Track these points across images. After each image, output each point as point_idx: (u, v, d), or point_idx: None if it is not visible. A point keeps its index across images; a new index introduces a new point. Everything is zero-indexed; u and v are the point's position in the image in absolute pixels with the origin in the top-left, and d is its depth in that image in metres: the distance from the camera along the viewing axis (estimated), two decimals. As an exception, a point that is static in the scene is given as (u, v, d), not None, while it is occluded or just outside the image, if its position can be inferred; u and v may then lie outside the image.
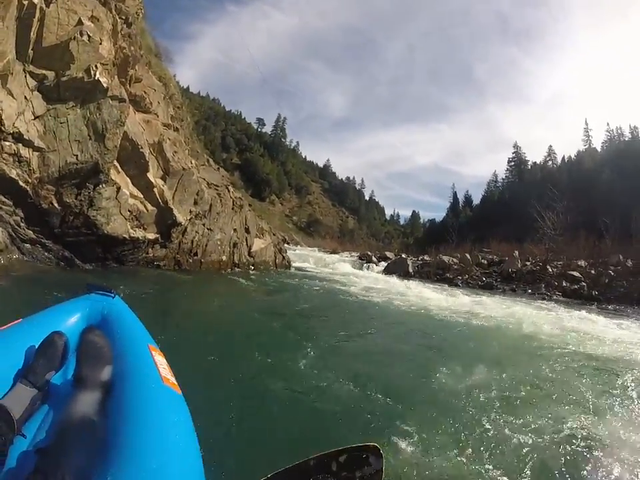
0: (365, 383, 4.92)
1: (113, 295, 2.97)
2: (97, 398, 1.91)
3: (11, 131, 9.87)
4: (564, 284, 20.32)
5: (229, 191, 18.50)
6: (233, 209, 17.54)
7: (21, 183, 10.20)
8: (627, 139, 70.53)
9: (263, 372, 5.10)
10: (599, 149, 75.16)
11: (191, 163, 16.08)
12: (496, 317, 10.82)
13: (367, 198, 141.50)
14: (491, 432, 3.91)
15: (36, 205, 10.67)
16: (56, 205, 11.03)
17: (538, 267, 23.78)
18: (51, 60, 10.81)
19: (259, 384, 4.73)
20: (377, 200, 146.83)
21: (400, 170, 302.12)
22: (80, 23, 11.36)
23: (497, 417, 4.25)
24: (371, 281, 19.75)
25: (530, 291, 19.93)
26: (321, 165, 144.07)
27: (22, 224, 10.50)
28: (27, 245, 10.59)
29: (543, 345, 7.82)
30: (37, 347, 2.09)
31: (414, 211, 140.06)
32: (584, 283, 20.04)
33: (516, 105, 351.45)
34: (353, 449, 1.69)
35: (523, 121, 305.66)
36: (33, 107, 10.54)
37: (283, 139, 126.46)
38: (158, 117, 15.68)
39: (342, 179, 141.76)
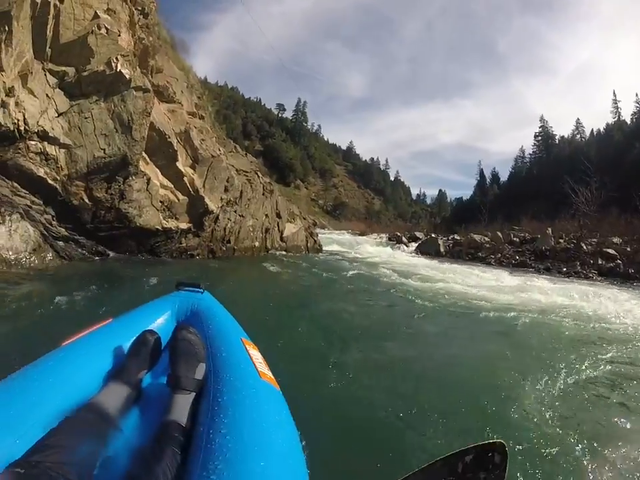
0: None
1: (201, 290, 2.91)
2: (192, 396, 1.86)
3: (36, 130, 9.81)
4: (599, 262, 19.56)
5: (258, 176, 18.36)
6: (263, 194, 17.40)
7: (49, 181, 10.14)
8: None
9: (351, 362, 4.70)
10: (628, 122, 71.20)
11: (219, 150, 15.89)
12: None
13: (392, 178, 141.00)
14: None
15: (66, 201, 10.63)
16: (87, 200, 10.97)
17: (572, 245, 23.03)
18: (69, 56, 10.73)
19: (355, 375, 4.24)
20: (402, 180, 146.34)
21: (424, 149, 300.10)
22: (96, 16, 11.27)
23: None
24: (405, 262, 19.44)
25: (565, 269, 19.15)
26: (343, 147, 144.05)
27: (53, 222, 10.43)
28: (60, 243, 10.47)
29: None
30: (129, 346, 2.08)
31: (440, 190, 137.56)
32: (619, 261, 19.24)
33: (540, 79, 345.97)
34: (479, 447, 1.50)
35: (548, 94, 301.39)
36: (55, 104, 10.46)
37: (304, 123, 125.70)
38: (182, 106, 15.53)
39: (366, 160, 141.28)
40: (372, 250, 26.52)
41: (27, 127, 9.58)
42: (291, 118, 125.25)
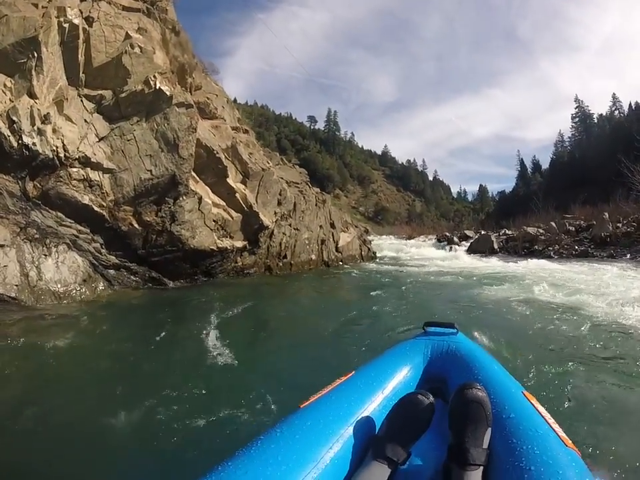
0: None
1: (455, 330, 2.54)
2: (480, 471, 1.51)
3: (77, 156, 9.40)
4: None
5: (309, 187, 17.77)
6: (316, 205, 16.75)
7: (95, 208, 9.66)
8: None
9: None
10: None
11: (268, 163, 15.27)
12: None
13: (430, 178, 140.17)
14: None
15: (114, 228, 10.11)
16: (136, 225, 10.43)
17: (632, 227, 21.94)
18: (105, 79, 10.38)
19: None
20: (441, 179, 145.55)
21: (460, 145, 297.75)
22: (127, 36, 10.91)
23: None
24: (464, 263, 18.85)
25: (629, 255, 18.17)
26: (379, 152, 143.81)
27: (102, 250, 10.00)
28: (111, 271, 10.09)
29: None
30: (396, 409, 1.79)
31: (481, 185, 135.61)
32: None
33: (568, 57, 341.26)
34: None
35: (579, 73, 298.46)
36: (95, 129, 10.03)
37: (337, 133, 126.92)
38: (225, 121, 14.97)
39: (402, 162, 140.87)
40: (424, 252, 26.02)
41: (66, 154, 9.18)
42: (323, 129, 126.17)
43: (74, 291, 8.70)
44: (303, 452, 1.46)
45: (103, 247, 10.01)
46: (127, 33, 10.93)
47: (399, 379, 2.09)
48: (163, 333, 6.11)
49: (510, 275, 12.66)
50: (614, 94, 78.50)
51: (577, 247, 21.84)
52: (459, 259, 21.46)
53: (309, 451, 1.48)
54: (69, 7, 9.86)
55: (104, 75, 10.32)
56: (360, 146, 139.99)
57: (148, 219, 10.50)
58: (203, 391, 4.05)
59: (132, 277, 10.46)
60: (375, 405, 1.84)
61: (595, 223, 24.56)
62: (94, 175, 9.71)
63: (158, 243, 10.73)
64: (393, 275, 13.92)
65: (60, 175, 9.23)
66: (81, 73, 10.05)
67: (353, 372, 2.09)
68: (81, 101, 9.99)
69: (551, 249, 22.74)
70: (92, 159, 9.62)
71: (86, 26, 10.25)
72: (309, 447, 1.50)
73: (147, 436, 3.30)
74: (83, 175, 9.53)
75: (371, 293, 10.10)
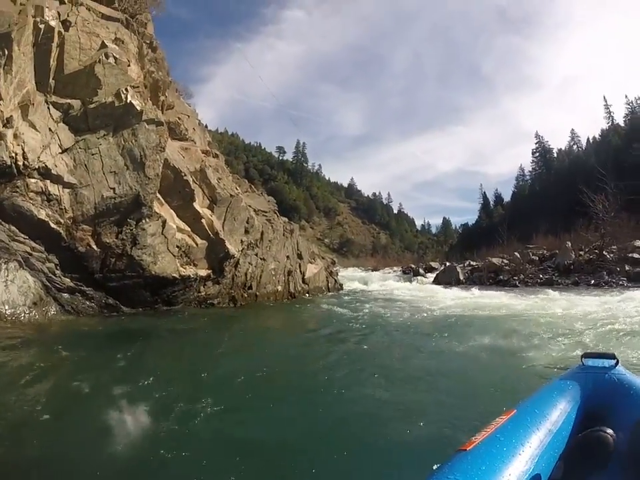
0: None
1: (615, 361, 2.29)
2: None
3: (37, 166, 8.89)
4: (627, 268, 19.74)
5: (277, 216, 17.22)
6: (284, 234, 16.18)
7: (52, 225, 9.07)
8: None
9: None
10: (622, 124, 71.55)
11: (237, 189, 14.71)
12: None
13: (395, 211, 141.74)
14: None
15: (71, 248, 9.47)
16: (94, 246, 9.78)
17: (594, 255, 23.16)
18: (75, 87, 9.97)
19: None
20: (406, 212, 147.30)
21: (424, 179, 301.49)
22: (103, 46, 10.58)
23: None
24: (430, 293, 18.72)
25: (593, 281, 19.28)
26: (345, 184, 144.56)
27: (57, 271, 9.33)
28: (65, 295, 9.40)
29: None
30: (572, 450, 1.74)
31: (444, 218, 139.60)
32: None
33: (528, 94, 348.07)
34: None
35: (539, 109, 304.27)
36: (59, 139, 9.55)
37: (304, 164, 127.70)
38: (195, 143, 14.48)
39: (368, 195, 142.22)
40: (391, 284, 25.68)
41: (26, 162, 8.67)
42: (291, 160, 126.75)
43: (22, 314, 8.13)
44: None
45: (58, 267, 9.36)
46: (103, 41, 10.61)
47: (564, 416, 1.94)
48: (109, 370, 5.68)
49: (443, 301, 14.33)
50: (572, 129, 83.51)
51: (541, 276, 22.78)
52: (415, 290, 21.19)
53: None
54: (47, 7, 9.47)
55: (74, 83, 9.93)
56: (327, 178, 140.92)
57: (107, 241, 9.87)
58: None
59: (87, 302, 9.77)
60: (545, 444, 1.67)
61: (557, 252, 25.72)
62: (53, 189, 9.16)
63: (117, 267, 10.08)
64: (358, 306, 13.54)
65: (17, 185, 8.70)
66: (51, 78, 9.67)
67: (515, 410, 1.88)
68: (48, 108, 9.55)
69: (516, 278, 23.38)
70: (52, 171, 9.11)
71: (62, 30, 9.93)
72: None
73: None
74: (42, 188, 8.98)
75: (341, 334, 9.33)
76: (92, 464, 3.30)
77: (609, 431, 1.71)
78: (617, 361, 2.28)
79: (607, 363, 2.30)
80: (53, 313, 8.82)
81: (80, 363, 5.94)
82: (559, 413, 1.93)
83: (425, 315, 11.63)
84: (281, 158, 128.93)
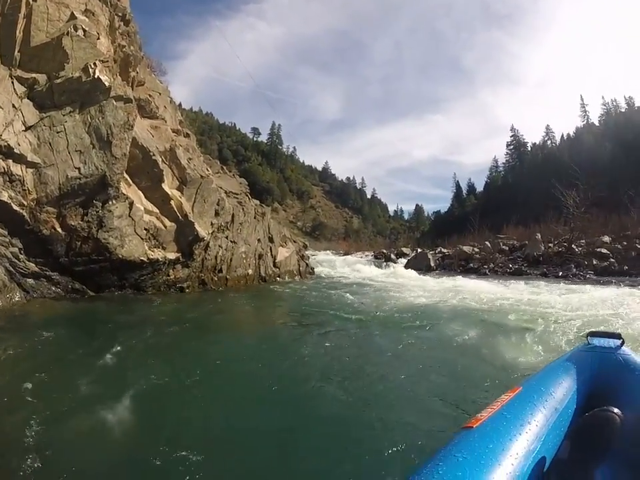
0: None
1: (621, 341, 2.33)
2: None
3: None
4: (594, 262, 20.05)
5: (249, 198, 16.92)
6: (255, 217, 15.86)
7: (14, 207, 8.65)
8: (622, 110, 70.49)
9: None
10: (597, 124, 75.02)
11: (207, 170, 14.35)
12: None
13: (369, 197, 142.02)
14: None
15: (35, 231, 9.10)
16: (59, 229, 9.40)
17: (563, 248, 23.53)
18: (41, 61, 9.57)
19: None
20: (379, 197, 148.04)
21: (399, 166, 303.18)
22: (73, 17, 10.16)
23: None
24: (404, 280, 18.52)
25: (561, 273, 19.42)
26: (319, 168, 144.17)
27: (21, 255, 8.96)
28: (30, 280, 9.06)
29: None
30: (579, 429, 1.75)
31: (417, 205, 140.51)
32: (612, 259, 19.95)
33: (507, 89, 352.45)
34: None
35: (517, 104, 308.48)
36: (23, 116, 9.10)
37: (279, 146, 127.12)
38: (166, 122, 14.07)
39: (342, 180, 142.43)
40: (362, 269, 25.30)
41: None
42: (266, 141, 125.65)
43: None
44: (481, 474, 1.31)
45: (22, 252, 9.00)
46: (72, 12, 10.19)
47: (570, 395, 1.99)
48: (71, 353, 5.67)
49: (416, 287, 14.09)
50: (547, 125, 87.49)
51: (510, 266, 22.93)
52: (386, 276, 21.13)
53: (488, 472, 1.32)
54: (15, -26, 9.06)
55: (41, 57, 9.54)
56: (301, 161, 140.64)
57: (72, 223, 9.50)
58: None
59: (53, 287, 9.46)
60: (551, 423, 1.71)
61: (527, 242, 26.07)
62: (16, 169, 8.72)
63: (83, 250, 9.73)
64: (334, 297, 13.17)
65: None
66: (16, 51, 9.29)
67: (520, 388, 1.90)
68: (12, 82, 9.12)
69: (486, 267, 23.55)
70: (15, 150, 8.67)
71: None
72: (487, 468, 1.34)
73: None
74: (4, 168, 8.55)
75: (312, 318, 9.30)
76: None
77: (616, 410, 1.72)
78: (623, 341, 2.33)
79: (613, 342, 2.34)
80: (17, 299, 8.48)
81: (35, 351, 5.65)
82: (565, 392, 1.96)
83: (398, 302, 11.25)
84: (255, 139, 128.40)
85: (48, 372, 4.77)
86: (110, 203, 10.00)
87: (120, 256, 10.11)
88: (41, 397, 4.10)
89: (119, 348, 5.68)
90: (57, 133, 9.37)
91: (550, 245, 24.73)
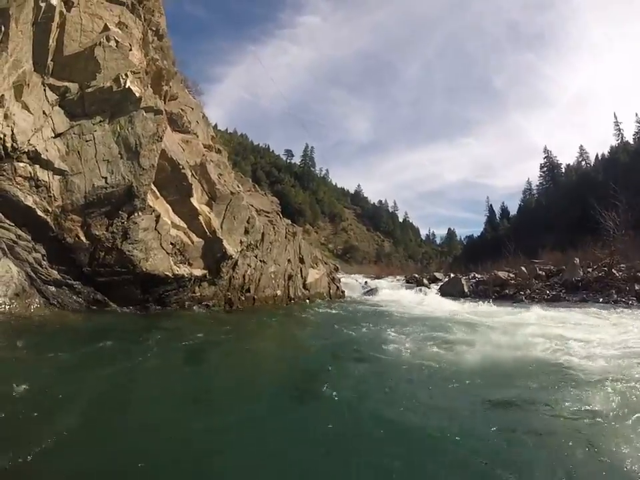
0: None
1: None
2: None
3: (26, 149, 8.36)
4: (636, 287, 19.06)
5: (280, 217, 16.68)
6: (286, 237, 15.66)
7: (39, 213, 8.55)
8: None
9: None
10: (631, 142, 72.29)
11: (238, 187, 14.12)
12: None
13: (400, 220, 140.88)
14: None
15: (59, 239, 8.95)
16: (83, 238, 9.24)
17: (603, 272, 22.29)
18: (73, 70, 9.49)
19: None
20: (411, 221, 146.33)
21: (430, 189, 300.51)
22: (106, 29, 10.12)
23: None
24: (438, 307, 17.67)
25: (602, 300, 18.54)
26: (351, 190, 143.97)
27: (44, 262, 8.81)
28: (51, 288, 8.89)
29: None
30: None
31: (449, 229, 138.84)
32: None
33: (539, 111, 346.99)
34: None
35: (549, 125, 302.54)
36: (53, 123, 9.04)
37: (312, 168, 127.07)
38: (198, 137, 13.92)
39: (374, 202, 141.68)
40: (394, 294, 24.61)
41: (14, 144, 8.13)
42: (299, 163, 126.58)
43: (2, 305, 7.60)
44: None
45: (45, 258, 8.84)
46: (105, 24, 10.16)
47: None
48: (88, 370, 5.39)
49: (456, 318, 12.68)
50: (581, 145, 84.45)
51: (548, 292, 21.96)
52: (422, 304, 19.67)
53: None
54: (50, -15, 9.01)
55: (73, 66, 9.47)
56: (333, 183, 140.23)
57: (97, 233, 9.34)
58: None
59: (74, 296, 9.26)
60: None
61: (565, 267, 24.85)
62: (42, 175, 8.64)
63: (106, 261, 9.54)
64: (366, 324, 12.46)
65: (4, 168, 8.20)
66: (49, 60, 9.20)
67: None
68: (44, 90, 9.08)
69: (522, 293, 22.70)
70: (43, 156, 8.59)
71: (64, 9, 9.51)
72: None
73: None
74: (30, 173, 8.47)
75: (342, 352, 8.32)
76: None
77: None
78: None
79: None
80: (36, 306, 8.29)
81: (43, 361, 5.46)
82: None
83: (431, 330, 10.35)
84: (288, 161, 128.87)
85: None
86: (136, 214, 9.84)
87: (144, 269, 9.90)
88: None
89: (127, 365, 5.61)
90: (86, 141, 9.27)
91: (589, 269, 23.74)
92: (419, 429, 4.45)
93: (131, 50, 10.35)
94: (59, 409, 4.18)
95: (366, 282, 27.08)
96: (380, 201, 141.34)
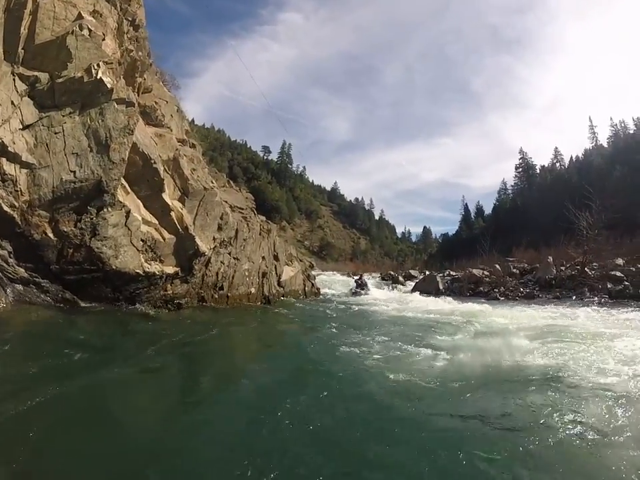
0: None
1: None
2: None
3: None
4: (608, 285, 19.56)
5: (254, 214, 16.49)
6: (260, 234, 15.43)
7: (5, 208, 8.23)
8: (631, 132, 71.16)
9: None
10: (605, 145, 76.12)
11: (212, 183, 13.86)
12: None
13: (377, 218, 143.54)
14: None
15: (26, 235, 8.64)
16: (51, 235, 8.93)
17: (576, 271, 23.05)
18: (44, 59, 9.16)
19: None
20: (387, 219, 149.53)
21: (408, 188, 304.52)
22: (80, 17, 9.74)
23: None
24: (417, 303, 18.22)
25: (574, 297, 19.23)
26: (328, 188, 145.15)
27: (10, 259, 8.52)
28: (18, 286, 8.58)
29: None
30: None
31: (425, 227, 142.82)
32: (627, 283, 19.31)
33: (515, 113, 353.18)
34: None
35: (525, 127, 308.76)
36: (21, 114, 8.71)
37: (289, 165, 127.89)
38: (171, 130, 13.65)
39: (351, 200, 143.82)
40: (375, 292, 24.75)
41: None
42: (276, 160, 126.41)
43: None
44: None
45: (11, 255, 8.56)
46: (79, 12, 9.78)
47: None
48: (55, 373, 5.23)
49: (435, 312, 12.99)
50: (556, 147, 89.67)
51: (522, 289, 22.54)
52: (397, 300, 20.26)
53: None
54: (23, -30, 8.75)
55: (44, 55, 9.15)
56: (310, 180, 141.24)
57: (65, 229, 9.02)
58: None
59: (42, 295, 8.94)
60: None
61: (539, 266, 25.61)
62: (9, 168, 8.30)
63: (75, 259, 9.23)
64: (339, 315, 12.70)
65: None
66: (20, 48, 8.89)
67: None
68: (13, 80, 8.75)
69: (497, 290, 23.15)
70: (10, 148, 8.25)
71: None
72: None
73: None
74: (-4, 166, 8.14)
75: (314, 352, 7.97)
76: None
77: None
78: None
79: None
80: (2, 305, 7.97)
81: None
82: None
83: (408, 330, 10.45)
84: (265, 158, 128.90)
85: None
86: (105, 210, 9.52)
87: (114, 267, 9.61)
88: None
89: (87, 361, 5.62)
90: (55, 133, 8.97)
91: (562, 268, 24.34)
92: (413, 422, 4.59)
93: (104, 39, 10.01)
94: (28, 411, 4.06)
95: (359, 278, 26.01)
96: (356, 199, 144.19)
